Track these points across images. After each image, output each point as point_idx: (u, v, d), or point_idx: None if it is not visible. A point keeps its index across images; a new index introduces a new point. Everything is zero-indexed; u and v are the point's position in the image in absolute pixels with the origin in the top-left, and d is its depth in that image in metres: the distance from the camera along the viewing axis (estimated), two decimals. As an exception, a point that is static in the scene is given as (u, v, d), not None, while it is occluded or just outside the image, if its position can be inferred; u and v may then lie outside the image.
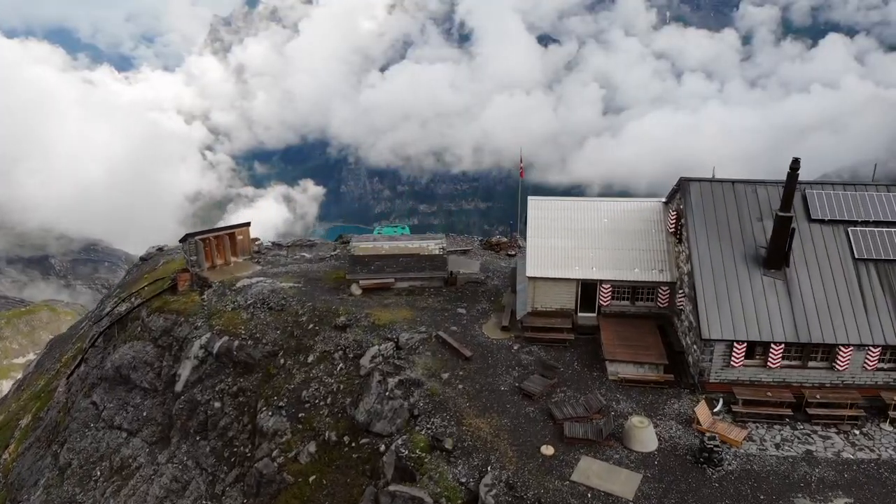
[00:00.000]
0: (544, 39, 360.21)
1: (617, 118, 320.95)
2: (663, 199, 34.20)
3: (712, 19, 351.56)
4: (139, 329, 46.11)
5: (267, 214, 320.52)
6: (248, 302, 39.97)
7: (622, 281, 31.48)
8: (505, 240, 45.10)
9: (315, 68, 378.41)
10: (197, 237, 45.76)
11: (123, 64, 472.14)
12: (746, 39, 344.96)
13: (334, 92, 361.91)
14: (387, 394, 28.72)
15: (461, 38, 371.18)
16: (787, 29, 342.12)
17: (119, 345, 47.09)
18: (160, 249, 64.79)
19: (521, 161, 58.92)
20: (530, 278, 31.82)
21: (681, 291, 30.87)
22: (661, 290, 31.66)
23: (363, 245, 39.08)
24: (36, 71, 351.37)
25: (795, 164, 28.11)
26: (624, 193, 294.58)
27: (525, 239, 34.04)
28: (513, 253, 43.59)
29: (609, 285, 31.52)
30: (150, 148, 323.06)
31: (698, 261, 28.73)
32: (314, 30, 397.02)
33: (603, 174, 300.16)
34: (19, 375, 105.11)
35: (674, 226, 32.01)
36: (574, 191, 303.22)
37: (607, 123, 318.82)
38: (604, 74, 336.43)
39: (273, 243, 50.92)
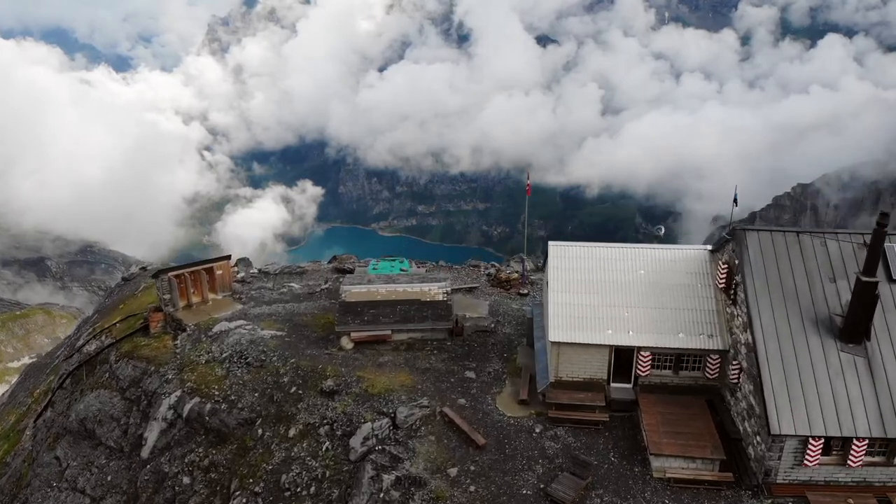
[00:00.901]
0: (543, 40, 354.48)
1: (616, 119, 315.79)
2: (709, 247, 28.52)
3: (711, 20, 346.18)
4: (107, 375, 40.78)
5: (265, 215, 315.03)
6: (224, 354, 34.33)
7: (665, 348, 25.94)
8: (516, 275, 39.20)
9: (313, 68, 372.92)
10: (170, 274, 39.98)
11: (121, 64, 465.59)
12: (745, 40, 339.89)
13: (332, 92, 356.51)
14: (381, 495, 23.11)
15: (460, 38, 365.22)
16: (786, 29, 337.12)
17: (86, 391, 41.99)
18: (144, 269, 59.12)
19: (528, 178, 53.29)
20: (553, 343, 26.27)
21: (735, 363, 25.31)
22: (710, 359, 26.13)
23: (355, 289, 33.36)
24: (32, 71, 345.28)
25: (884, 219, 22.61)
26: (623, 194, 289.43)
27: (545, 271, 28.36)
28: (525, 292, 37.81)
29: (648, 353, 25.99)
30: (148, 149, 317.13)
31: (761, 332, 23.15)
32: (312, 30, 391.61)
33: (602, 175, 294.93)
34: (14, 380, 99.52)
35: (724, 281, 26.44)
36: (573, 191, 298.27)
37: (606, 124, 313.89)
38: (602, 75, 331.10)
39: (259, 271, 45.01)
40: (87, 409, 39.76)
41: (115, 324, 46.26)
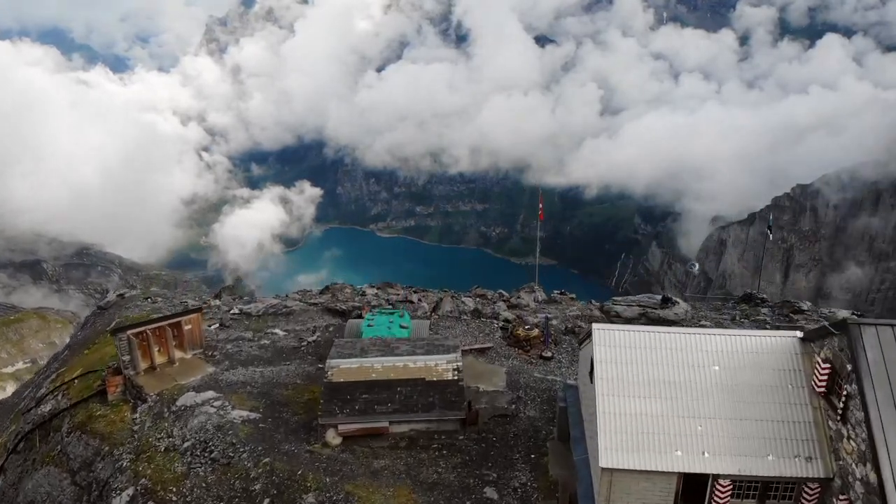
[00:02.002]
0: (541, 40, 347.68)
1: (614, 119, 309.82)
2: (798, 334, 21.65)
3: (709, 20, 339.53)
4: (59, 449, 34.08)
5: (263, 216, 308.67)
6: (186, 443, 27.48)
7: (750, 476, 19.26)
8: (536, 332, 32.26)
9: (311, 69, 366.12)
10: (129, 332, 32.96)
11: (118, 65, 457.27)
12: (744, 40, 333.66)
13: (330, 92, 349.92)
14: None
15: (458, 38, 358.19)
16: (785, 29, 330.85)
17: (38, 464, 35.44)
18: (121, 296, 51.81)
19: (540, 202, 46.61)
20: (604, 469, 19.57)
21: (843, 497, 18.58)
22: (806, 490, 19.45)
23: (345, 365, 26.49)
24: (29, 72, 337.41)
25: None
26: (622, 195, 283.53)
27: (591, 363, 21.33)
28: (548, 355, 30.90)
29: (729, 481, 19.34)
30: (145, 150, 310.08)
31: (891, 471, 16.46)
32: (310, 30, 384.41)
33: (601, 175, 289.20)
34: (8, 386, 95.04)
35: (824, 385, 19.72)
36: (572, 192, 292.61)
37: (605, 124, 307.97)
38: (601, 75, 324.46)
39: (241, 311, 37.71)
40: (36, 491, 33.38)
41: (73, 380, 39.49)
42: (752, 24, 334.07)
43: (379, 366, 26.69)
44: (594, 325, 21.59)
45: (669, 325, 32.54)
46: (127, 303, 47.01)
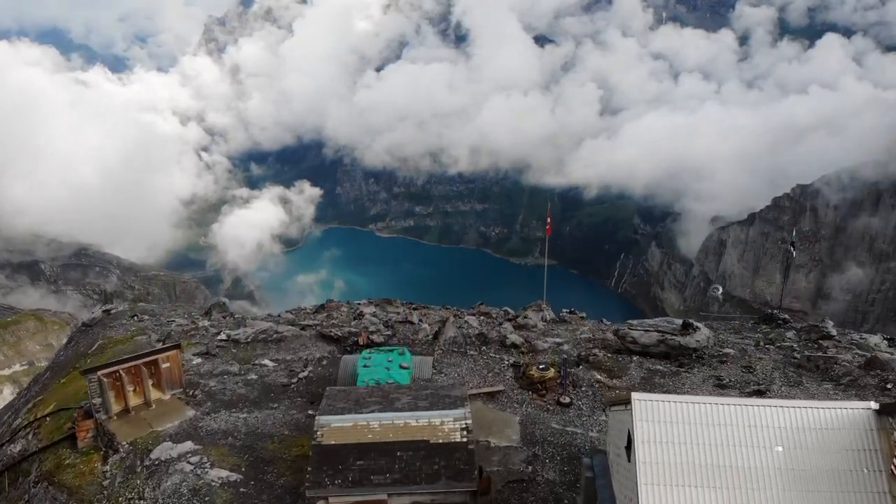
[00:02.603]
0: (541, 40, 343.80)
1: (614, 119, 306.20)
2: (873, 405, 18.03)
3: (708, 20, 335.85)
4: (25, 500, 30.62)
5: (263, 216, 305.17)
6: (157, 508, 23.99)
7: (824, 587, 15.74)
8: (551, 373, 28.46)
9: (310, 69, 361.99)
10: (101, 373, 29.20)
11: (117, 65, 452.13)
12: (743, 40, 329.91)
13: (330, 92, 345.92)
14: None
15: (457, 38, 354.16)
16: (784, 29, 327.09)
17: (4, 512, 31.98)
18: (107, 313, 47.90)
19: (549, 216, 43.05)
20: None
21: None
22: None
23: (337, 424, 22.81)
24: (27, 72, 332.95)
25: None
26: (621, 196, 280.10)
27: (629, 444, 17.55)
28: (566, 401, 27.17)
29: (797, 592, 15.84)
30: (144, 150, 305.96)
31: None
32: (309, 30, 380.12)
33: (600, 175, 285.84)
34: (4, 388, 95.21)
35: (911, 470, 16.26)
36: (571, 192, 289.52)
37: (605, 124, 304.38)
38: (601, 75, 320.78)
39: (228, 338, 33.70)
40: (0, 545, 30.06)
41: (45, 416, 35.86)
42: (752, 24, 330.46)
43: (376, 424, 23.00)
44: (634, 396, 17.90)
45: (691, 353, 28.95)
46: (112, 320, 43.27)
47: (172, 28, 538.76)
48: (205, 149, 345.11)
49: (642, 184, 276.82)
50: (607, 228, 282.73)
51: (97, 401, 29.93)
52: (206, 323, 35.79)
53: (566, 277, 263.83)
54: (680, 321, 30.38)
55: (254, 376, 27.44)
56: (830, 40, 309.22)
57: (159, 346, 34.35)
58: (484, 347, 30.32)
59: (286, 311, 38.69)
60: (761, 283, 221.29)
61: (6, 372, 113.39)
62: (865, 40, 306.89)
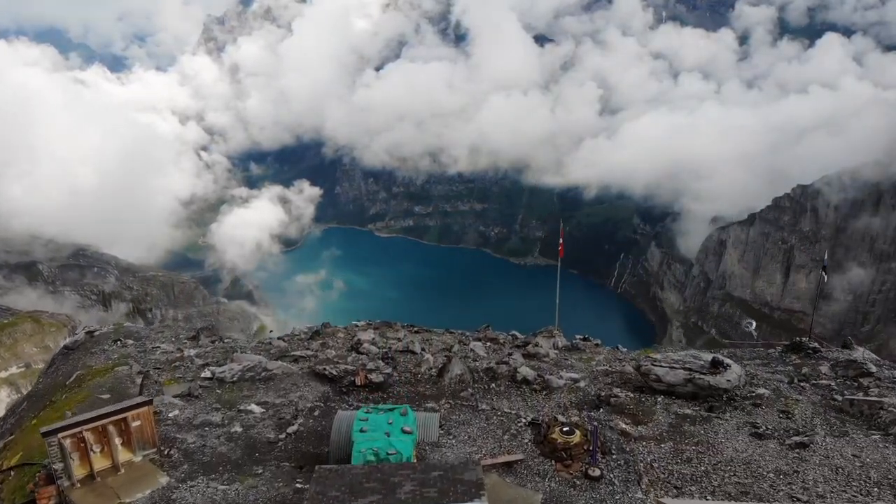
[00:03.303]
0: (540, 39, 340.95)
1: (613, 119, 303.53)
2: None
3: (708, 19, 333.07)
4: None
5: (262, 216, 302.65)
6: None
7: None
8: (576, 437, 23.87)
9: (309, 68, 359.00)
10: (61, 435, 24.48)
11: (115, 64, 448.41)
12: (743, 39, 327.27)
13: (329, 91, 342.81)
14: None
15: (457, 37, 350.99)
16: (784, 29, 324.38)
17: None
18: (90, 334, 44.64)
19: (561, 236, 40.27)
20: None
21: None
22: None
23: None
24: (25, 72, 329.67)
25: None
26: (621, 196, 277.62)
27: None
28: (596, 474, 22.69)
29: None
30: (143, 150, 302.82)
31: None
32: (308, 29, 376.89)
33: (600, 175, 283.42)
34: (1, 391, 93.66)
35: None
36: (570, 192, 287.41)
37: (604, 124, 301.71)
38: (600, 74, 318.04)
39: (213, 377, 30.03)
40: None
41: (10, 470, 31.91)
42: (752, 23, 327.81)
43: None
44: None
45: (721, 395, 26.01)
46: (94, 344, 40.05)
47: (171, 27, 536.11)
48: (204, 148, 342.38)
49: (642, 184, 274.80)
50: (607, 228, 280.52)
51: (58, 466, 25.56)
52: (192, 352, 32.84)
53: (566, 278, 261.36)
54: (708, 357, 27.48)
55: (238, 428, 23.50)
56: (830, 40, 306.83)
57: (140, 378, 31.34)
58: (493, 385, 27.41)
59: (278, 338, 35.73)
60: (762, 283, 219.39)
61: (3, 374, 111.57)
62: (865, 40, 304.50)
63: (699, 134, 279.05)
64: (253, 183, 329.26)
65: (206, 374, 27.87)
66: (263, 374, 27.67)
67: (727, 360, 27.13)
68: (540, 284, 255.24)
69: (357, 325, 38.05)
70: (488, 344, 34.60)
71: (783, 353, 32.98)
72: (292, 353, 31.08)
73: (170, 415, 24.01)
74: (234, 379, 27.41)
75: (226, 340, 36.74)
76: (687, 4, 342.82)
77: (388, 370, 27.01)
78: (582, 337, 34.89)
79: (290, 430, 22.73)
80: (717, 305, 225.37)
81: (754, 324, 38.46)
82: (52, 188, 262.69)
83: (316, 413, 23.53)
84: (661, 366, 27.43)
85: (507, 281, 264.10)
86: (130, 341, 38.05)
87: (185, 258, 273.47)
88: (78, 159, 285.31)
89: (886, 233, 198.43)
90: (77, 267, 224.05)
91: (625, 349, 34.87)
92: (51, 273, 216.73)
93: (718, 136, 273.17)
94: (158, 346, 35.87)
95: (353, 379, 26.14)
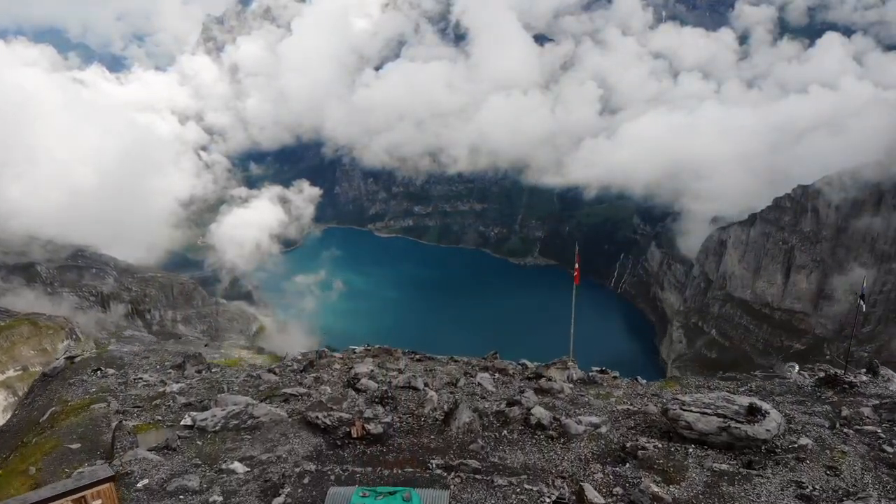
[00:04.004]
0: (540, 39, 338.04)
1: (613, 118, 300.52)
2: None
3: (708, 19, 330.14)
4: None
5: (261, 216, 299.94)
6: None
7: None
8: None
9: (309, 67, 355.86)
10: None
11: (114, 64, 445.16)
12: (743, 39, 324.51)
13: (328, 91, 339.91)
14: None
15: (457, 37, 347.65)
16: (784, 29, 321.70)
17: None
18: (71, 361, 41.72)
19: (577, 261, 37.53)
20: None
21: None
22: None
23: None
24: (24, 72, 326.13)
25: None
26: (621, 196, 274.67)
27: None
28: None
29: None
30: (143, 150, 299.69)
31: None
32: (307, 28, 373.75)
33: (599, 175, 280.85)
34: None
35: None
36: (570, 192, 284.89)
37: (604, 124, 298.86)
38: (600, 74, 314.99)
39: (194, 426, 25.18)
40: None
41: None
42: (752, 23, 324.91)
43: None
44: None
45: (760, 446, 23.08)
46: (73, 374, 37.25)
47: (170, 27, 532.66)
48: (203, 148, 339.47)
49: (642, 184, 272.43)
50: (607, 228, 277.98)
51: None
52: (175, 387, 29.91)
53: (566, 278, 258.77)
54: (743, 400, 24.50)
55: (217, 497, 19.99)
56: (830, 39, 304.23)
57: (119, 417, 28.40)
58: (505, 431, 24.47)
59: (269, 370, 32.66)
60: (762, 284, 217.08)
61: (0, 377, 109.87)
62: (866, 39, 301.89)
63: (699, 134, 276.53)
64: (252, 183, 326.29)
65: (187, 420, 24.83)
66: (249, 421, 24.58)
67: (765, 406, 24.21)
68: (540, 284, 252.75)
69: (354, 352, 35.12)
70: (496, 376, 31.67)
71: (816, 387, 30.14)
72: (283, 389, 28.15)
73: (139, 484, 20.86)
74: (217, 428, 24.35)
75: (213, 370, 33.81)
76: (687, 4, 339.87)
77: (388, 419, 24.02)
78: (599, 369, 31.98)
79: (277, 501, 19.60)
80: (717, 306, 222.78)
81: (797, 367, 34.46)
82: (50, 189, 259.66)
83: (306, 480, 20.36)
84: (690, 410, 24.50)
85: (507, 281, 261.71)
86: (111, 370, 35.13)
87: (185, 258, 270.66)
88: (77, 159, 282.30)
89: (887, 233, 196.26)
90: (75, 268, 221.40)
91: (644, 381, 31.98)
92: (49, 274, 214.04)
93: (718, 136, 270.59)
94: (140, 378, 32.95)
95: (348, 430, 23.13)
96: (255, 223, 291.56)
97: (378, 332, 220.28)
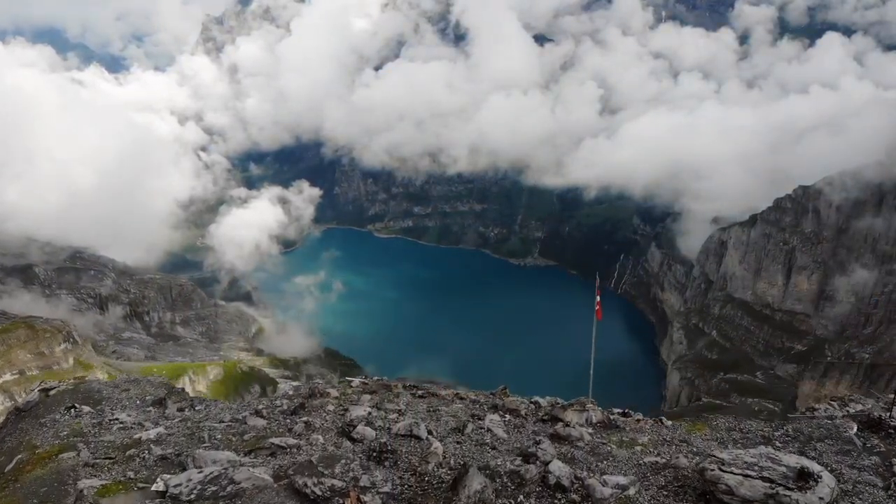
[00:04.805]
0: (540, 39, 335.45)
1: (613, 119, 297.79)
2: None
3: (708, 18, 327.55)
4: None
5: (261, 216, 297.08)
6: None
7: None
8: None
9: (308, 68, 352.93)
10: None
11: (113, 65, 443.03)
12: (743, 39, 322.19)
13: (328, 91, 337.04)
14: None
15: (456, 37, 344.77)
16: (784, 28, 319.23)
17: None
18: (46, 393, 38.01)
19: (598, 293, 34.08)
20: None
21: None
22: None
23: None
24: (23, 72, 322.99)
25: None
26: (621, 196, 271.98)
27: None
28: None
29: None
30: (142, 151, 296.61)
31: None
32: (307, 29, 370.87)
33: (599, 175, 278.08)
34: None
35: None
36: (570, 193, 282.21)
37: (604, 124, 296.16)
38: (600, 74, 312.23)
39: (166, 490, 20.36)
40: None
41: None
42: (752, 22, 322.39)
43: None
44: None
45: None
46: (46, 410, 33.65)
47: (170, 27, 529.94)
48: (203, 149, 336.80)
49: (642, 184, 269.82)
50: (606, 229, 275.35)
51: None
52: (152, 434, 26.69)
53: (566, 279, 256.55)
54: (791, 460, 21.33)
55: None
56: (831, 39, 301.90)
57: (88, 470, 24.86)
58: (521, 497, 21.41)
59: (254, 413, 29.34)
60: (763, 284, 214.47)
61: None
62: (866, 39, 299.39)
63: (699, 134, 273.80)
64: (252, 183, 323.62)
65: (159, 485, 21.59)
66: (229, 487, 20.91)
67: (816, 468, 21.08)
68: (540, 285, 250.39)
69: (350, 387, 32.01)
70: (507, 417, 28.48)
71: (861, 431, 26.94)
72: (270, 438, 25.11)
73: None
74: (192, 496, 20.97)
75: (196, 408, 30.80)
76: (687, 4, 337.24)
77: (387, 487, 20.77)
78: (621, 411, 28.81)
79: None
80: (718, 307, 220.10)
81: (855, 427, 30.47)
82: (49, 190, 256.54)
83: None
84: (731, 472, 21.34)
85: (507, 281, 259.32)
86: (86, 408, 32.01)
87: (184, 259, 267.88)
88: (75, 160, 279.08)
89: (889, 234, 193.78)
90: (73, 270, 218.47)
91: (669, 423, 28.94)
92: (47, 276, 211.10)
93: (718, 136, 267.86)
94: (116, 419, 29.91)
95: (342, 502, 19.95)
96: (254, 224, 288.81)
97: (378, 332, 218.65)
